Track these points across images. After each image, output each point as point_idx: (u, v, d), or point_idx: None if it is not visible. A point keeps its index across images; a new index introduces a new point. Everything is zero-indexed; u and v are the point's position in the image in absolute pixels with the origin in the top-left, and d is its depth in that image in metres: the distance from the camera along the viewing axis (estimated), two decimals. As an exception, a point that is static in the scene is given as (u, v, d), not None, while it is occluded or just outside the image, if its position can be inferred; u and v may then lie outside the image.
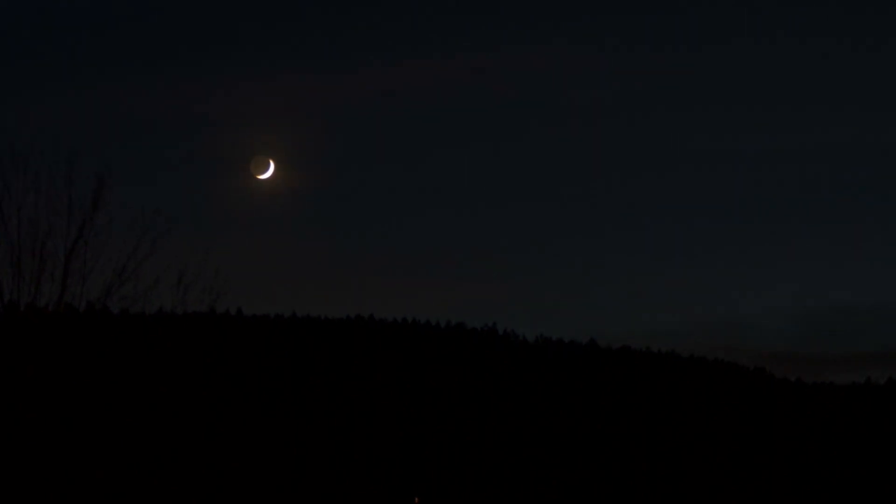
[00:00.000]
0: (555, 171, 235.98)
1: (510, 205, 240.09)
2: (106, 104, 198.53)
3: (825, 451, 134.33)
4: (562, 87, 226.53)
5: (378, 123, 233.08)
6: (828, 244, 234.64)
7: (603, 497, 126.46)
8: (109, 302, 43.75)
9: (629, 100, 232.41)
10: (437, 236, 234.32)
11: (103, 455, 43.73)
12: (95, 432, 43.38)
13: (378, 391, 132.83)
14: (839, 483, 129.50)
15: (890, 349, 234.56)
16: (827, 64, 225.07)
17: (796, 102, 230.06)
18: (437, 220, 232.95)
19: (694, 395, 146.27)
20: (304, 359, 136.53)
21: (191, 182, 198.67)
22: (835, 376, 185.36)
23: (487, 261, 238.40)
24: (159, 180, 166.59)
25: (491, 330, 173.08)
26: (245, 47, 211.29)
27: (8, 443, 41.95)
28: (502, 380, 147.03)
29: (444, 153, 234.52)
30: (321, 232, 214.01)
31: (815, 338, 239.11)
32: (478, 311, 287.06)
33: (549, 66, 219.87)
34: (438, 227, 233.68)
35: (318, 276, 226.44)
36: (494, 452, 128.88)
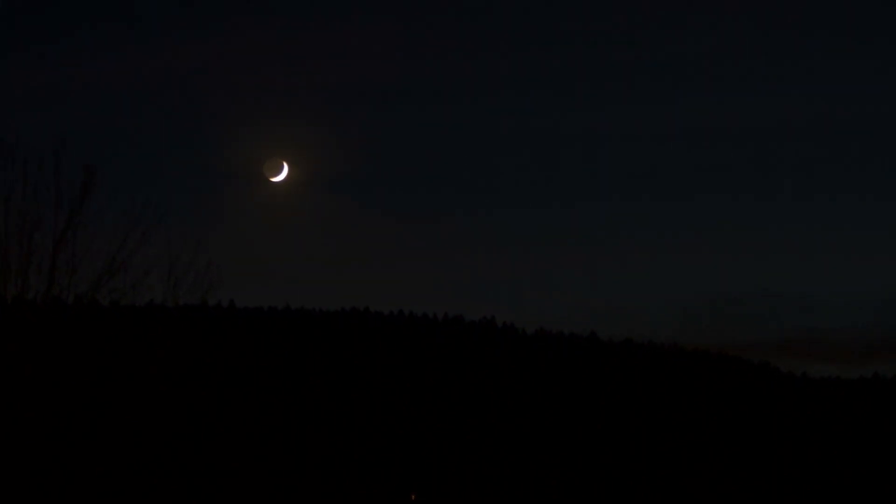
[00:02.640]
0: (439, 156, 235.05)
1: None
2: (97, 92, 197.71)
3: (832, 446, 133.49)
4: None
5: (367, 112, 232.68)
6: (712, 232, 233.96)
7: (604, 493, 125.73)
8: (99, 294, 42.93)
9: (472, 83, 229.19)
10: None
11: (93, 451, 42.89)
12: (85, 428, 42.53)
13: (374, 385, 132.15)
14: (846, 479, 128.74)
15: (775, 338, 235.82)
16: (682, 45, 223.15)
17: (685, 81, 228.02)
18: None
19: (697, 389, 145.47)
20: (298, 352, 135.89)
21: (182, 172, 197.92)
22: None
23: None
24: (150, 170, 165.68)
25: (490, 322, 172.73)
26: (238, 37, 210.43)
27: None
28: (501, 373, 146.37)
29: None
30: (316, 223, 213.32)
31: (698, 327, 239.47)
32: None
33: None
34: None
35: (313, 268, 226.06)
36: (493, 448, 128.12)
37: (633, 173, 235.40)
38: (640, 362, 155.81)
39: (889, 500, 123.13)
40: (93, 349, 43.42)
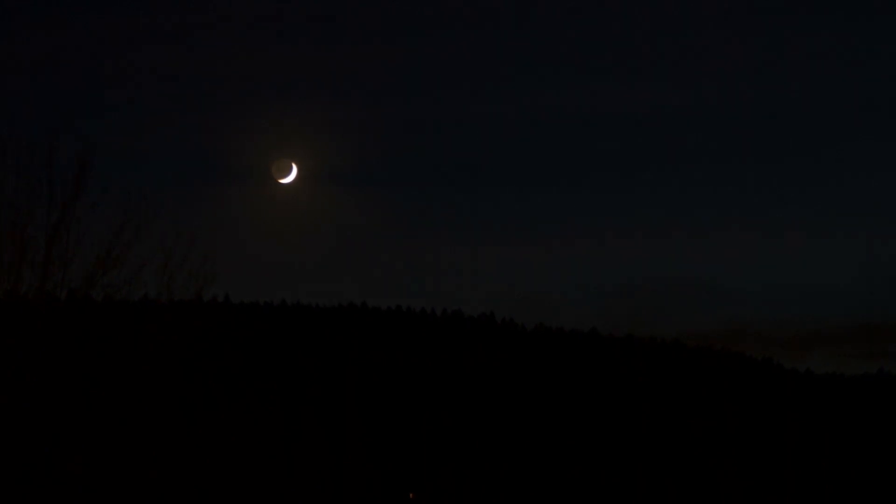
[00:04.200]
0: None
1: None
2: (91, 82, 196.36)
3: (836, 443, 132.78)
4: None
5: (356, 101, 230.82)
6: (633, 218, 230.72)
7: (605, 491, 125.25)
8: (92, 289, 42.38)
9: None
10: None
11: (87, 448, 42.34)
12: (79, 424, 41.98)
13: (371, 382, 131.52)
14: (850, 476, 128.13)
15: (698, 330, 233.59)
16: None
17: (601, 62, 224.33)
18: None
19: (699, 385, 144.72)
20: (294, 348, 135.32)
21: (177, 165, 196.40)
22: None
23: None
24: (145, 163, 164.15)
25: (489, 318, 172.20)
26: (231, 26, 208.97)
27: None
28: (500, 370, 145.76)
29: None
30: (312, 218, 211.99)
31: (622, 316, 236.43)
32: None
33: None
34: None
35: (309, 263, 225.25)
36: (492, 446, 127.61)
37: (553, 161, 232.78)
38: (641, 358, 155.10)
39: (893, 498, 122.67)
40: (86, 345, 42.86)
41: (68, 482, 41.90)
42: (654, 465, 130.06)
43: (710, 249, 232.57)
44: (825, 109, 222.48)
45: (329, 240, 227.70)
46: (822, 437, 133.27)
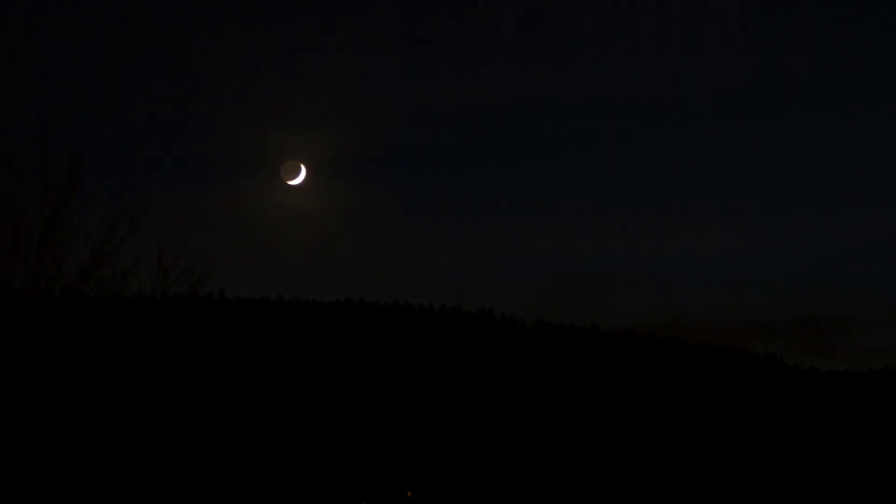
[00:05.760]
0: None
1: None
2: (84, 77, 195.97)
3: (840, 441, 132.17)
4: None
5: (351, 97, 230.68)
6: (566, 208, 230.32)
7: (605, 491, 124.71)
8: (86, 285, 41.90)
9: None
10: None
11: (81, 447, 41.82)
12: (72, 422, 41.45)
13: (371, 381, 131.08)
14: (851, 477, 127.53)
15: (642, 320, 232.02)
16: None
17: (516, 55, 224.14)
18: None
19: (700, 384, 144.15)
20: (292, 344, 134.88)
21: (173, 161, 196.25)
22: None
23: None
24: (140, 159, 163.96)
25: (488, 314, 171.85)
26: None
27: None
28: (500, 367, 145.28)
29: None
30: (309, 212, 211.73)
31: (544, 305, 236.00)
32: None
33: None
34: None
35: (307, 259, 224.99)
36: (491, 445, 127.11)
37: (486, 151, 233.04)
38: (642, 355, 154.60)
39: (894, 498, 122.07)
40: (83, 342, 42.35)
41: (68, 482, 41.39)
42: (654, 465, 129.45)
43: (646, 240, 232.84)
44: (767, 98, 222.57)
45: (326, 237, 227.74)
46: (824, 436, 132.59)
